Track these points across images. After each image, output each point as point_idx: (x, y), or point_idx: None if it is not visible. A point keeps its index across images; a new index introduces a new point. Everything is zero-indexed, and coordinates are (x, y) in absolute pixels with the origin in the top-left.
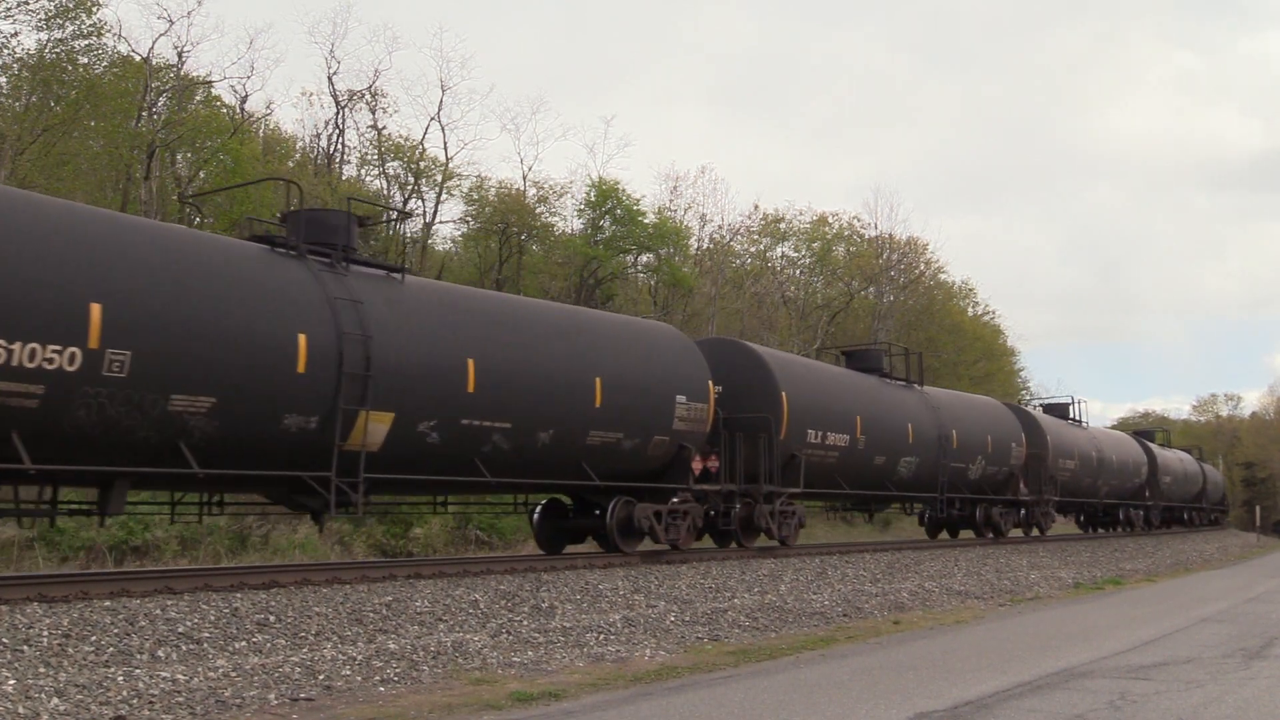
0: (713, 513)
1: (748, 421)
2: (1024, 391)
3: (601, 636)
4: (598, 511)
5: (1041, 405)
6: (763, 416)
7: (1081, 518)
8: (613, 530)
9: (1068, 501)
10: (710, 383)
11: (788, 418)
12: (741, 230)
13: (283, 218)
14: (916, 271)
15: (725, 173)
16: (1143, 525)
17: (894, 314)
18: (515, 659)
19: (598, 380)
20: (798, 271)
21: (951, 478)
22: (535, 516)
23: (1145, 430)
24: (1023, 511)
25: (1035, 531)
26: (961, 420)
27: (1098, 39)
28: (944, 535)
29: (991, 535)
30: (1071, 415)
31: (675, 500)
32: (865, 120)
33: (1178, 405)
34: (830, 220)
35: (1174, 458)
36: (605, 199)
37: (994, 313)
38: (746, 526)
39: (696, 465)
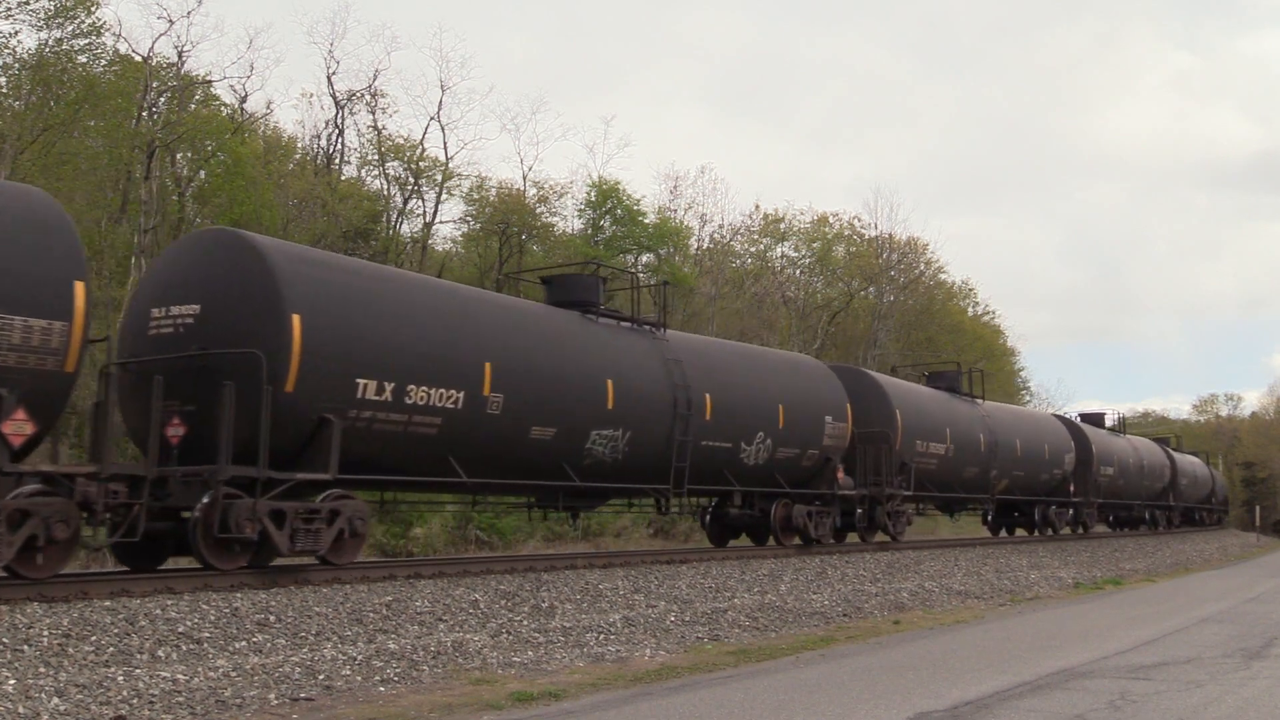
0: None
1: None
2: (1024, 392)
3: (601, 636)
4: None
5: (1080, 415)
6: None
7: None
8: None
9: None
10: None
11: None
12: (741, 230)
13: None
14: (916, 271)
15: (725, 173)
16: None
17: (894, 314)
18: (515, 659)
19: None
20: (798, 271)
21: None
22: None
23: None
24: (1071, 511)
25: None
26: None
27: (1096, 39)
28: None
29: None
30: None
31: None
32: (864, 120)
33: (1177, 405)
34: (830, 220)
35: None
36: (605, 199)
37: (994, 313)
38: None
39: (841, 475)
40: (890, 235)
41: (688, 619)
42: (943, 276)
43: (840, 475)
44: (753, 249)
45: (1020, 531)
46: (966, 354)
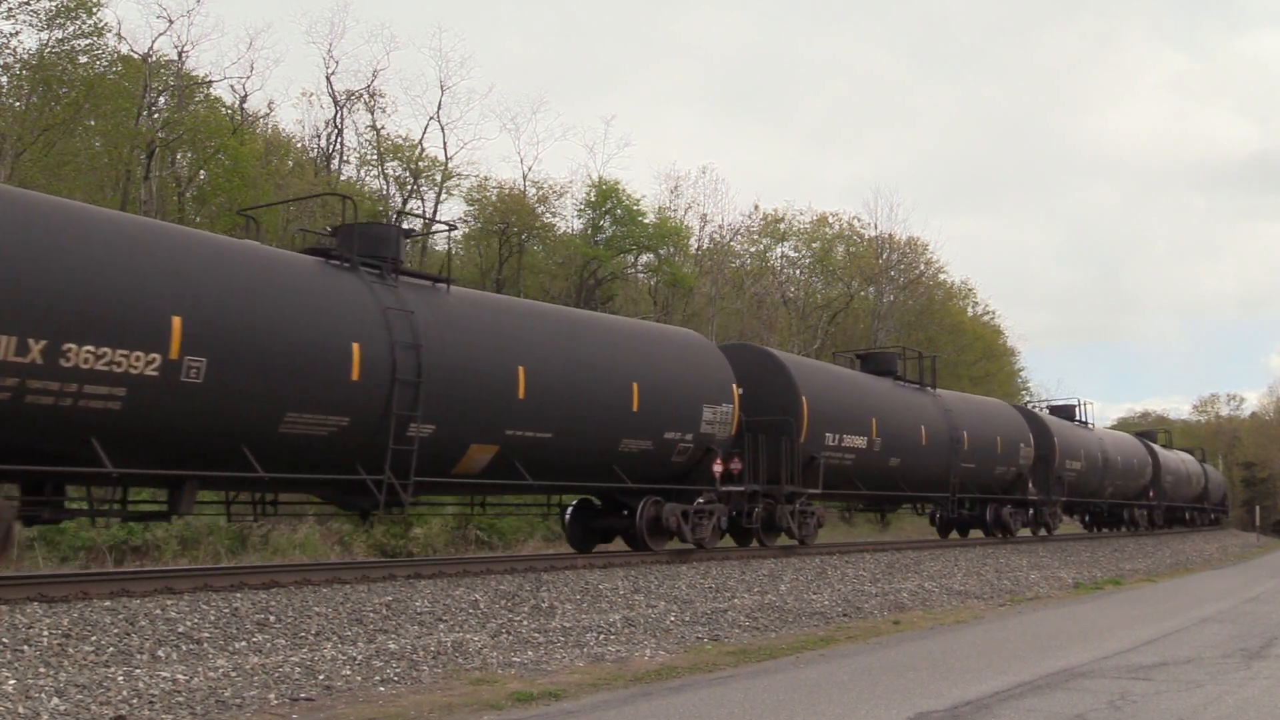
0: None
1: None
2: (1024, 392)
3: (601, 636)
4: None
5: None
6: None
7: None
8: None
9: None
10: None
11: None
12: (741, 230)
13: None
14: (916, 272)
15: (725, 173)
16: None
17: (894, 314)
18: (515, 659)
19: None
20: (798, 272)
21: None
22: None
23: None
24: (1031, 511)
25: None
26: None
27: (1093, 40)
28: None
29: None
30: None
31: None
32: (863, 121)
33: (1177, 405)
34: (830, 220)
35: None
36: (605, 199)
37: (994, 313)
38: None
39: (718, 467)
40: (890, 235)
41: (688, 619)
42: (943, 276)
43: (718, 468)
44: (753, 249)
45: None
46: (966, 354)
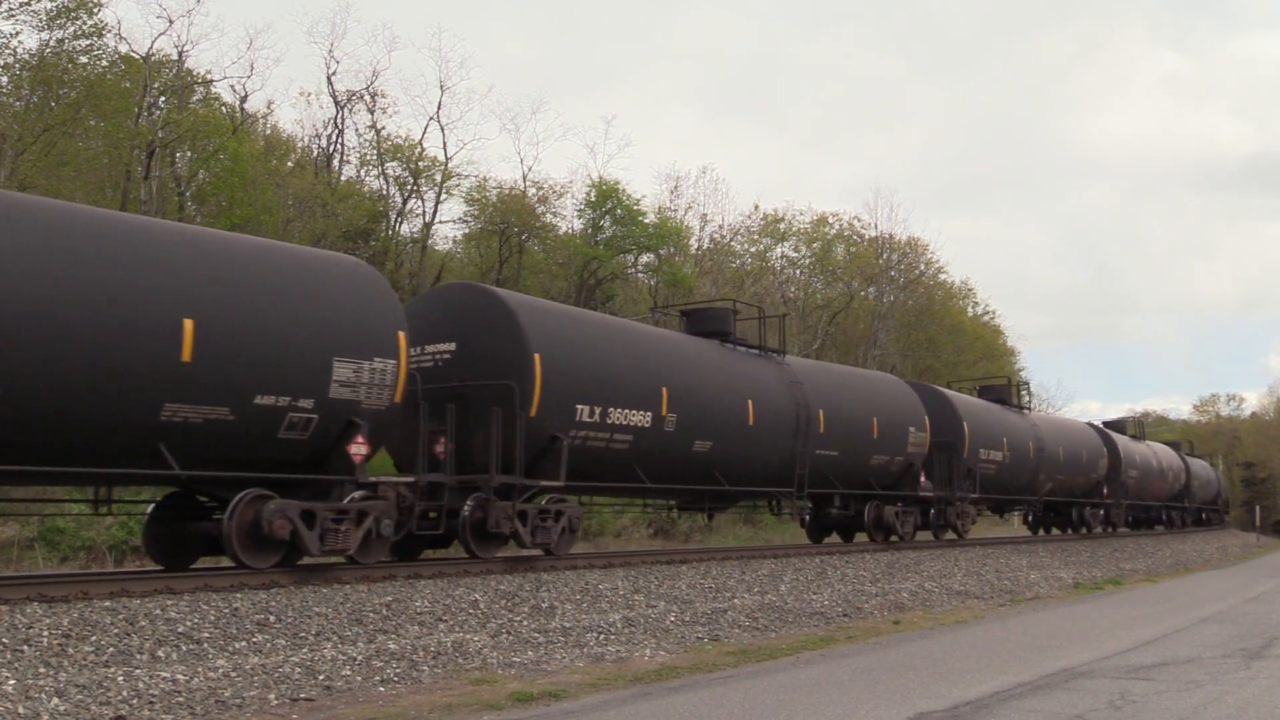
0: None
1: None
2: (1024, 392)
3: (601, 636)
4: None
5: (1104, 423)
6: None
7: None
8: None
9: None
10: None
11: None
12: (741, 230)
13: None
14: (916, 272)
15: (724, 173)
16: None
17: (894, 314)
18: (515, 659)
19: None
20: (798, 271)
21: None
22: (806, 517)
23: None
24: (1103, 512)
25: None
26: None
27: (1087, 42)
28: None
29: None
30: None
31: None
32: (861, 122)
33: (1176, 405)
34: (830, 220)
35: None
36: (605, 199)
37: (994, 313)
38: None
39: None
40: (890, 235)
41: (688, 619)
42: (943, 277)
43: (922, 479)
44: (753, 249)
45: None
46: (966, 354)
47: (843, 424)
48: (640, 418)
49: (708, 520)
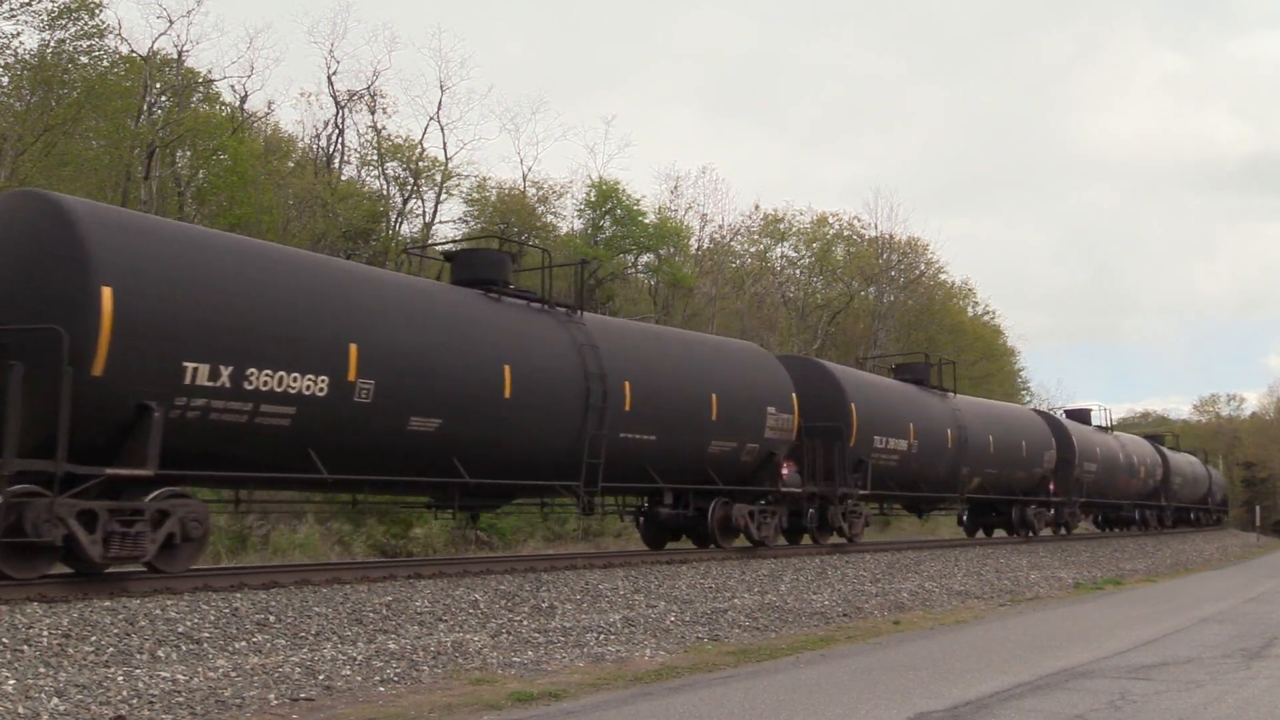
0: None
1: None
2: (1024, 392)
3: (601, 636)
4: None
5: (1065, 412)
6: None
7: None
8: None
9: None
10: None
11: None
12: (741, 230)
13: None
14: (916, 272)
15: (724, 173)
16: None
17: (894, 314)
18: (515, 659)
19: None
20: (798, 271)
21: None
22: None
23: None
24: (1053, 511)
25: (1064, 530)
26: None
27: (1087, 42)
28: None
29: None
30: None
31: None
32: (861, 122)
33: (1176, 405)
34: (830, 220)
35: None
36: (605, 199)
37: (994, 313)
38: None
39: (785, 471)
40: (890, 235)
41: (688, 619)
42: (943, 276)
43: (785, 472)
44: (753, 249)
45: (999, 533)
46: (966, 354)
47: (662, 400)
48: (309, 384)
49: (470, 522)
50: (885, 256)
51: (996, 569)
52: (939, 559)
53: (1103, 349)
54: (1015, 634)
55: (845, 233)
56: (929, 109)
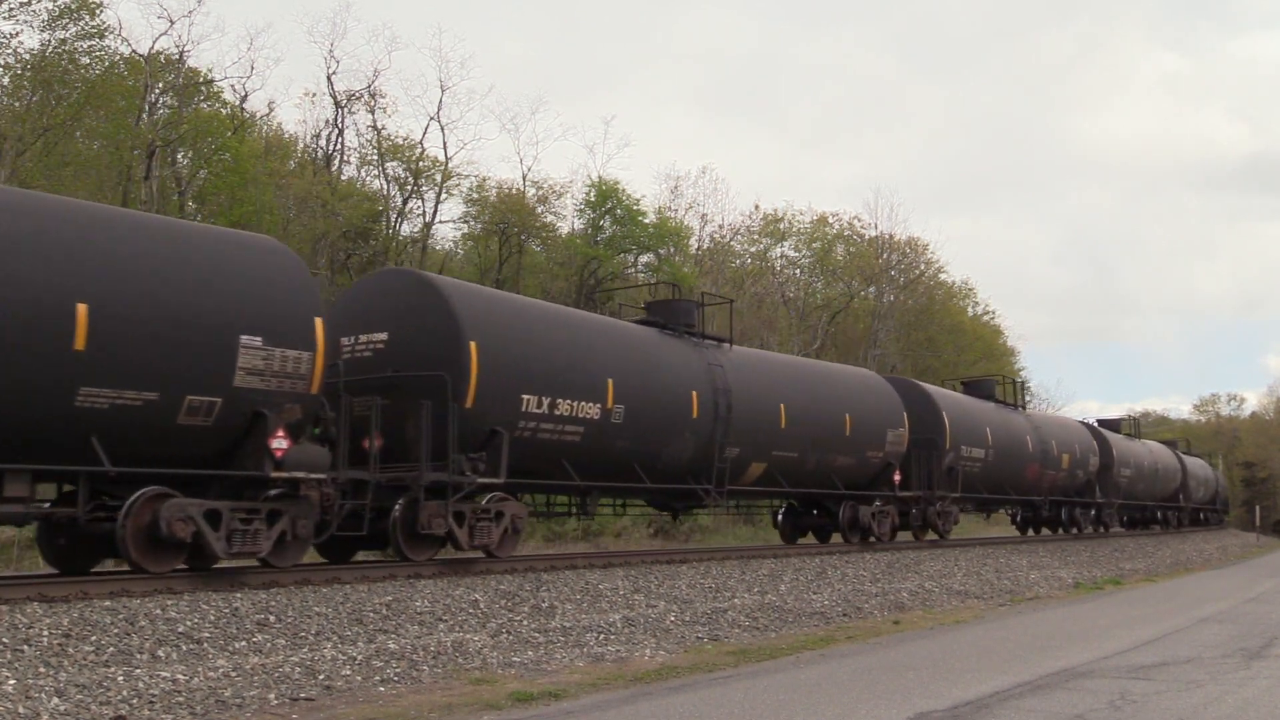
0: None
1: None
2: (1025, 393)
3: (601, 636)
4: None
5: (1097, 421)
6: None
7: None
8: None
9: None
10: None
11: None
12: (741, 230)
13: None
14: (916, 271)
15: (724, 173)
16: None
17: (894, 314)
18: (515, 659)
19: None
20: (798, 271)
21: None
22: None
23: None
24: (1093, 512)
25: (1103, 529)
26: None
27: (1087, 42)
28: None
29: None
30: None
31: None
32: (861, 122)
33: (1176, 405)
34: (830, 220)
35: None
36: (605, 199)
37: (994, 313)
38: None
39: (898, 477)
40: (890, 235)
41: (688, 619)
42: (943, 276)
43: (897, 478)
44: (753, 249)
45: (1045, 531)
46: (966, 354)
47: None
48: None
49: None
50: (885, 256)
51: (996, 569)
52: (939, 559)
53: (1102, 349)
54: (1015, 634)
55: (845, 233)
56: (929, 109)
